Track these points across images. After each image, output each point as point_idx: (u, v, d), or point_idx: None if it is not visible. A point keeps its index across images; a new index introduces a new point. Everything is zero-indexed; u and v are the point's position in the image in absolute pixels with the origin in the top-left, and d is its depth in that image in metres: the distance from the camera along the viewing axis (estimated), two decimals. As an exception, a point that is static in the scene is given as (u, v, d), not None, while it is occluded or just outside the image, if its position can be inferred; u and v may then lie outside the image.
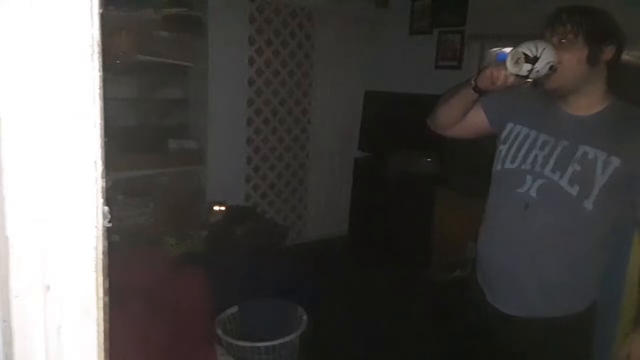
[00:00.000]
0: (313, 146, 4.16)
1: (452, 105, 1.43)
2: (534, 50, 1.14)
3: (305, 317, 2.36)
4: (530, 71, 1.15)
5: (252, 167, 3.86)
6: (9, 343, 0.57)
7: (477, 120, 1.45)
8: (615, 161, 1.17)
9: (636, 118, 1.23)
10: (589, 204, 1.20)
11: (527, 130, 1.33)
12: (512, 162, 1.32)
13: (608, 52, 1.20)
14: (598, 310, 1.36)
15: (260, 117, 3.80)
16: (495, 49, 3.65)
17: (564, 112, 1.28)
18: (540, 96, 1.36)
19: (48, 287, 0.56)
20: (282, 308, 2.46)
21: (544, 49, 1.15)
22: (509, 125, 1.37)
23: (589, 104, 1.25)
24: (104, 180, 0.56)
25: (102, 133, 0.55)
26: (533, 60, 1.14)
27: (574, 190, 1.21)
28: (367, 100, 4.25)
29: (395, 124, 3.94)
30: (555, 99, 1.30)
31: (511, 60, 1.17)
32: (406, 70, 3.98)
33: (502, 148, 1.37)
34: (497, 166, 1.37)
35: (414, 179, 3.53)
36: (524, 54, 1.14)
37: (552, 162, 1.25)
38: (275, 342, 2.18)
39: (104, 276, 0.59)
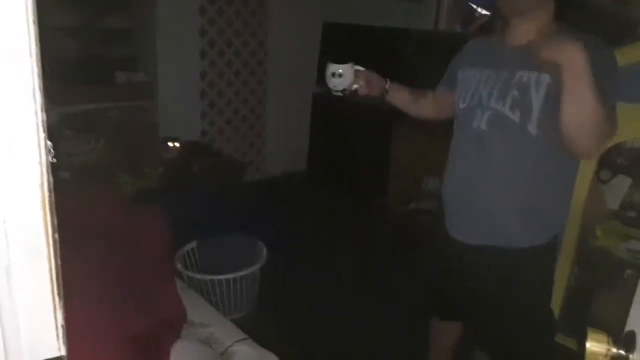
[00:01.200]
0: (271, 80, 4.06)
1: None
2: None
3: (265, 251, 2.41)
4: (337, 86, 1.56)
5: (207, 103, 3.75)
6: (-46, 283, 0.56)
7: (444, 98, 1.58)
8: (546, 78, 1.21)
9: (570, 37, 1.21)
10: (532, 128, 1.24)
11: (474, 72, 1.39)
12: (464, 101, 1.39)
13: None
14: (560, 243, 1.44)
15: (214, 49, 3.64)
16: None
17: (509, 45, 1.33)
18: (488, 39, 1.48)
19: (-7, 226, 0.54)
20: (241, 242, 2.49)
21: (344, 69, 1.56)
22: (460, 73, 1.45)
23: (533, 31, 1.27)
24: (45, 113, 0.53)
25: (39, 62, 0.51)
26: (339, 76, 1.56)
27: (516, 117, 1.25)
28: (325, 32, 4.12)
29: (354, 57, 3.87)
30: (505, 32, 1.34)
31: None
32: (365, 1, 3.87)
33: (458, 93, 1.44)
34: (457, 110, 1.44)
35: (372, 114, 3.53)
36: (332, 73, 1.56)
37: (495, 93, 1.30)
38: (235, 275, 2.23)
39: (52, 213, 0.58)
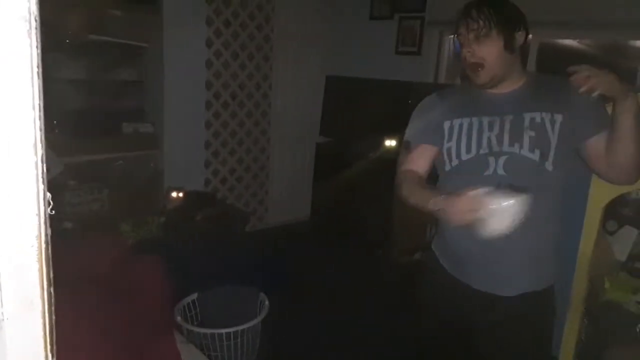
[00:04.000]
0: (274, 131, 4.13)
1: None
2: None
3: (267, 303, 2.35)
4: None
5: (212, 152, 3.79)
6: (-57, 339, 0.54)
7: (429, 157, 1.46)
8: (559, 117, 1.27)
9: (553, 79, 1.35)
10: (549, 166, 1.28)
11: (467, 120, 1.36)
12: (468, 152, 1.34)
13: (520, 37, 1.31)
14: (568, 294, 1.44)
15: (219, 101, 3.72)
16: (453, 36, 3.70)
17: (493, 94, 1.36)
18: (461, 90, 1.48)
19: (-13, 279, 0.53)
20: (243, 294, 2.44)
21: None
22: (447, 124, 1.39)
23: (512, 83, 1.35)
24: (45, 165, 0.53)
25: (42, 115, 0.52)
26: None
27: (536, 156, 1.28)
28: (329, 85, 4.24)
29: (356, 109, 3.96)
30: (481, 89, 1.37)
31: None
32: (367, 56, 3.99)
33: (450, 145, 1.37)
34: (453, 162, 1.37)
35: (375, 164, 3.56)
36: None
37: (506, 137, 1.30)
38: (237, 328, 2.17)
39: (48, 266, 0.57)
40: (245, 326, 2.19)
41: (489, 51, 1.28)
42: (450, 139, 1.38)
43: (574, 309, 1.97)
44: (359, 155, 3.68)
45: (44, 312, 0.57)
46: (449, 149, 1.38)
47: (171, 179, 3.40)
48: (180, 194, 3.15)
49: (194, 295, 2.40)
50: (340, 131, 4.11)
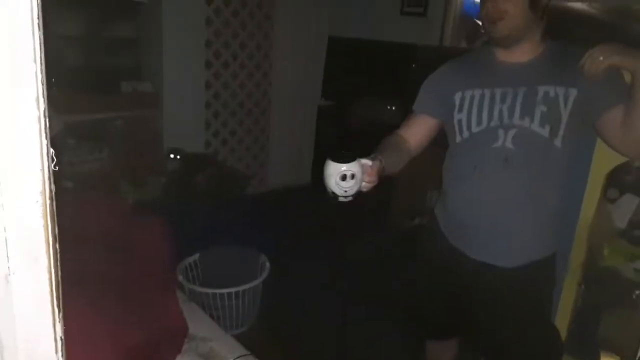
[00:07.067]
0: (275, 93, 4.06)
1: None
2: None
3: (267, 264, 2.38)
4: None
5: (212, 113, 3.74)
6: (-50, 293, 0.54)
7: (425, 128, 1.48)
8: (574, 92, 1.23)
9: (575, 50, 1.27)
10: (558, 142, 1.26)
11: (479, 91, 1.33)
12: (479, 124, 1.32)
13: None
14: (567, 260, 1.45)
15: (219, 60, 3.65)
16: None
17: (508, 63, 1.32)
18: (475, 59, 1.43)
19: (-8, 234, 0.53)
20: (244, 255, 2.46)
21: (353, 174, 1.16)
22: (458, 95, 1.37)
23: (530, 49, 1.30)
24: (47, 119, 0.52)
25: (44, 68, 0.50)
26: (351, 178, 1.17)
27: (546, 131, 1.25)
28: (331, 46, 4.14)
29: (360, 72, 3.89)
30: (496, 52, 1.34)
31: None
32: (371, 16, 3.89)
33: (461, 117, 1.35)
34: (464, 134, 1.36)
35: (377, 128, 3.52)
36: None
37: (517, 110, 1.27)
38: (238, 289, 2.20)
39: (53, 222, 0.56)
40: (245, 287, 2.23)
41: (513, 5, 1.22)
42: (461, 111, 1.36)
43: (571, 276, 1.99)
44: (361, 118, 3.64)
45: (49, 267, 0.57)
46: (459, 121, 1.36)
47: (171, 140, 3.37)
48: (179, 156, 3.13)
49: (196, 256, 2.43)
50: (343, 94, 4.05)
